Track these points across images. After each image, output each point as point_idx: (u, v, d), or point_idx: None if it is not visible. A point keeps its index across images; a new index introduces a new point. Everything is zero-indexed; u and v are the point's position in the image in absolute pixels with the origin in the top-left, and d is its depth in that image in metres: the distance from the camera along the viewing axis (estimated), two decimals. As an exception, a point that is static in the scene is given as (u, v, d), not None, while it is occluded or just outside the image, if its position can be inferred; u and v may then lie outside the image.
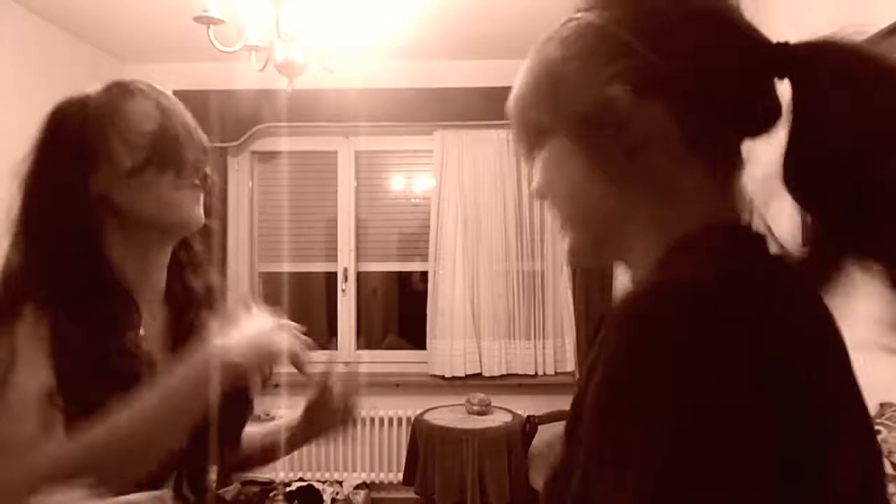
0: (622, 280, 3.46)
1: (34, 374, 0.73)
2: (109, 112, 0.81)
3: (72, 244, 0.79)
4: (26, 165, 0.82)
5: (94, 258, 0.81)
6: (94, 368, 0.75)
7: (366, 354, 3.74)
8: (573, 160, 0.56)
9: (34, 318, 0.75)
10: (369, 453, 3.58)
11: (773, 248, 0.65)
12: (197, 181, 0.85)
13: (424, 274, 3.67)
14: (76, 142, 0.80)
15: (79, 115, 0.81)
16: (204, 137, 0.89)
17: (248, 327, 0.84)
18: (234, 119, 3.46)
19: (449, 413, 3.13)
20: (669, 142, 0.54)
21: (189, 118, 0.87)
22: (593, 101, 0.54)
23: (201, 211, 0.87)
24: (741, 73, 0.59)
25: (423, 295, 3.63)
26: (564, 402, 2.14)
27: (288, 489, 3.31)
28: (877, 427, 1.28)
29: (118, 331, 0.79)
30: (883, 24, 1.63)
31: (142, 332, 0.84)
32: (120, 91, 0.83)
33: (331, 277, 3.79)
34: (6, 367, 0.72)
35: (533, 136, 0.62)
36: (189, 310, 0.92)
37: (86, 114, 0.81)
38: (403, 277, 3.95)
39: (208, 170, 0.88)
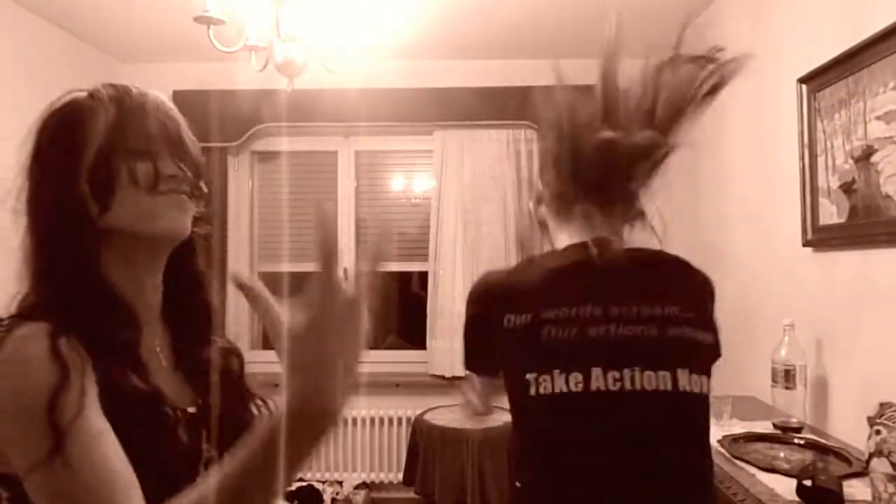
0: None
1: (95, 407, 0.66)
2: (84, 119, 0.77)
3: (71, 261, 0.75)
4: (21, 178, 0.79)
5: (95, 276, 0.76)
6: (114, 404, 0.69)
7: (365, 354, 3.73)
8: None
9: (66, 340, 0.68)
10: (369, 453, 3.58)
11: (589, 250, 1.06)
12: (182, 188, 0.80)
13: (424, 283, 3.66)
14: (60, 151, 0.77)
15: (60, 124, 0.78)
16: (194, 142, 0.83)
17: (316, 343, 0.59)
18: (234, 119, 3.45)
19: (449, 413, 3.13)
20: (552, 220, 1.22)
21: (174, 120, 0.82)
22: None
23: (187, 220, 0.81)
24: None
25: (423, 296, 3.63)
26: (564, 402, 2.11)
27: (288, 489, 3.31)
28: (877, 427, 1.27)
29: (129, 359, 0.75)
30: (883, 24, 1.63)
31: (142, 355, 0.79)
32: (96, 97, 0.79)
33: (331, 277, 3.79)
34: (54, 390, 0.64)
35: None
36: (187, 328, 0.88)
37: (65, 122, 0.78)
38: (403, 277, 3.95)
39: (200, 176, 0.83)
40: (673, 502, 0.97)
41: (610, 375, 0.96)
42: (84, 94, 0.81)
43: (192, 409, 0.82)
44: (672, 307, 0.99)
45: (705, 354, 1.01)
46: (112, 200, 0.76)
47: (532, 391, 0.98)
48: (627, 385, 0.96)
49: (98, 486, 0.63)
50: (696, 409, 1.00)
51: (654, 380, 0.96)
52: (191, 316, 0.88)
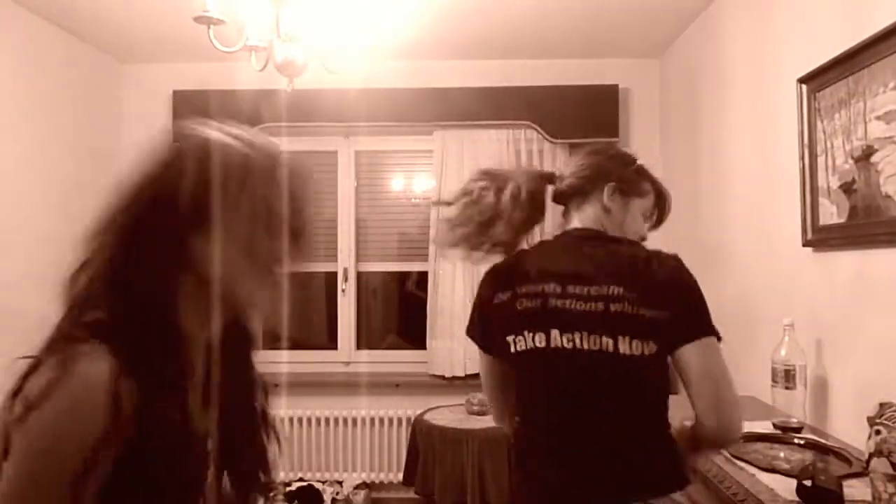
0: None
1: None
2: (266, 178, 0.78)
3: (157, 293, 0.74)
4: (131, 197, 0.76)
5: (172, 312, 0.77)
6: (161, 437, 0.71)
7: (366, 354, 3.74)
8: None
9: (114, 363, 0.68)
10: (369, 453, 3.58)
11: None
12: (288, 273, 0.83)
13: (423, 284, 3.66)
14: (204, 193, 0.75)
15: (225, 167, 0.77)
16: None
17: None
18: (234, 119, 3.44)
19: (449, 413, 3.13)
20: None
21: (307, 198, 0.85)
22: None
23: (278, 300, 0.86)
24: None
25: (420, 296, 3.63)
26: (564, 402, 2.10)
27: (288, 489, 3.31)
28: (877, 427, 1.27)
29: (180, 399, 0.76)
30: (883, 24, 1.63)
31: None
32: (272, 158, 0.81)
33: (331, 277, 3.79)
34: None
35: None
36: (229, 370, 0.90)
37: (236, 169, 0.78)
38: (403, 277, 3.95)
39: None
40: (606, 435, 1.26)
41: (565, 336, 1.26)
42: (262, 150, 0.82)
43: (209, 446, 0.83)
44: (617, 288, 1.25)
45: (650, 326, 1.23)
46: (231, 270, 0.78)
47: (512, 349, 1.32)
48: (578, 344, 1.25)
49: None
50: (639, 368, 1.24)
51: (598, 342, 1.24)
52: (234, 362, 0.91)
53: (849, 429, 1.78)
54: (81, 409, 0.66)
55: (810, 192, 1.99)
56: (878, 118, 1.67)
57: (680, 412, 1.33)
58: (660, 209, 1.49)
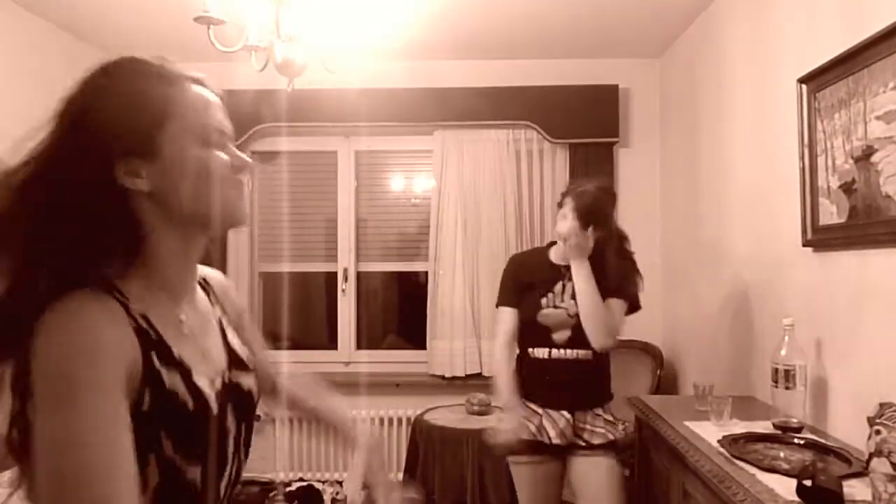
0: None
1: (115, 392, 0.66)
2: (166, 94, 0.78)
3: (113, 238, 0.75)
4: (48, 148, 0.74)
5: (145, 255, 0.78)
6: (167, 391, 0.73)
7: (366, 354, 3.74)
8: None
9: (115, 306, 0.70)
10: (369, 453, 3.57)
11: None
12: (244, 174, 0.84)
13: (423, 282, 3.67)
14: (122, 120, 0.75)
15: (131, 90, 0.77)
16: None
17: None
18: (233, 119, 3.36)
19: (449, 413, 3.13)
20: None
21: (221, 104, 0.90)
22: None
23: (247, 207, 0.85)
24: None
25: (423, 295, 3.63)
26: (564, 402, 2.11)
27: (288, 489, 3.31)
28: (877, 427, 1.28)
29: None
30: (883, 24, 1.63)
31: (185, 330, 0.81)
32: (177, 74, 0.82)
33: (331, 277, 3.79)
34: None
35: None
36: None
37: (140, 89, 0.77)
38: (403, 277, 3.95)
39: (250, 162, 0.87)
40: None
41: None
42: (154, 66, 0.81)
43: (218, 386, 0.82)
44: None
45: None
46: (191, 183, 0.78)
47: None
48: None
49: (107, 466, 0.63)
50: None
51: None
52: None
53: (849, 429, 1.78)
54: (98, 329, 0.67)
55: (810, 192, 1.99)
56: (878, 118, 1.67)
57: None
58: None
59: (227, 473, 0.82)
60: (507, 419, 2.07)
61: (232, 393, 0.85)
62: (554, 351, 2.10)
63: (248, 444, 0.89)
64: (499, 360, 2.16)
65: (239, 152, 0.85)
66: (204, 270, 0.96)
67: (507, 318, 2.17)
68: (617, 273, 2.06)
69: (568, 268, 2.09)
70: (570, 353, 2.09)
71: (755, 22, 2.46)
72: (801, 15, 2.09)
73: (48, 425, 0.62)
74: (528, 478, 2.13)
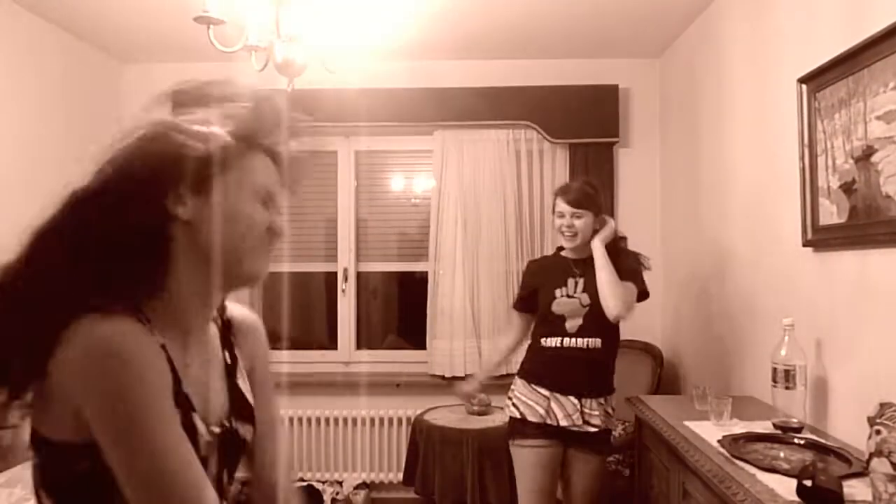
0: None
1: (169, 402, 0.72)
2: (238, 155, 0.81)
3: (143, 267, 0.77)
4: (107, 177, 0.77)
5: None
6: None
7: (366, 354, 3.74)
8: None
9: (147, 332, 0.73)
10: (369, 453, 3.58)
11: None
12: (277, 240, 0.86)
13: (423, 282, 3.67)
14: (180, 154, 0.77)
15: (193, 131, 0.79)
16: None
17: None
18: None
19: (449, 413, 3.13)
20: None
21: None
22: None
23: (267, 270, 0.86)
24: None
25: (423, 295, 3.63)
26: (564, 402, 2.11)
27: (288, 489, 3.31)
28: (877, 427, 1.28)
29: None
30: (883, 24, 1.63)
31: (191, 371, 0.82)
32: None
33: (331, 277, 3.79)
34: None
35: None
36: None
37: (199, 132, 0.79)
38: (403, 277, 3.95)
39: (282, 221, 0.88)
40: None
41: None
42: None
43: (216, 430, 0.82)
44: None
45: None
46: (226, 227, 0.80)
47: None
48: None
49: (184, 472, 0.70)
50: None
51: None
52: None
53: (849, 429, 1.78)
54: (132, 348, 0.70)
55: (810, 192, 1.99)
56: (878, 118, 1.67)
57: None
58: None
59: None
60: (468, 384, 2.59)
61: (226, 439, 0.85)
62: (566, 340, 2.22)
63: (231, 482, 0.90)
64: (498, 347, 2.57)
65: (280, 220, 0.87)
66: (234, 310, 0.97)
67: (518, 320, 2.48)
68: (625, 267, 2.22)
69: (578, 262, 2.28)
70: (580, 342, 2.21)
71: (755, 22, 2.46)
72: (801, 15, 2.09)
73: (133, 461, 0.68)
74: (532, 461, 2.22)
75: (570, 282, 2.27)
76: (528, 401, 2.23)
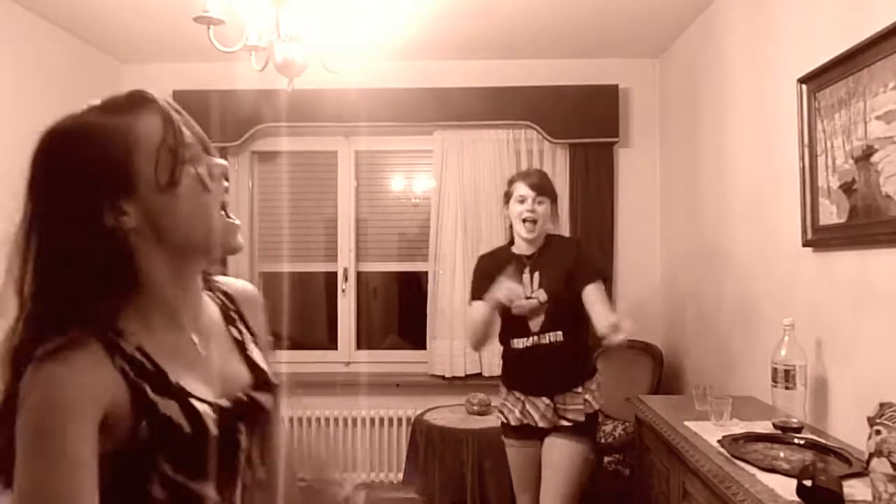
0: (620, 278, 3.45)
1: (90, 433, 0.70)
2: (125, 131, 0.77)
3: (109, 280, 0.76)
4: (33, 201, 0.78)
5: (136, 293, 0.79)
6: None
7: (366, 354, 3.74)
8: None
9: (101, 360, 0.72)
10: (369, 453, 3.58)
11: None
12: (224, 197, 0.83)
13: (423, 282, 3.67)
14: (94, 170, 0.76)
15: (91, 141, 0.78)
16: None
17: None
18: (234, 119, 3.45)
19: (449, 413, 3.13)
20: None
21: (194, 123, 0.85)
22: None
23: (239, 237, 0.85)
24: None
25: (423, 295, 3.63)
26: (564, 402, 2.11)
27: (288, 489, 3.31)
28: (877, 427, 1.28)
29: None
30: (883, 24, 1.63)
31: (195, 351, 0.83)
32: (126, 105, 0.81)
33: (331, 277, 3.79)
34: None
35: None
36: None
37: (99, 138, 0.78)
38: (403, 277, 3.95)
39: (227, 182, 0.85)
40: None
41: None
42: (112, 105, 0.83)
43: (225, 403, 0.83)
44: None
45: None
46: (177, 211, 0.78)
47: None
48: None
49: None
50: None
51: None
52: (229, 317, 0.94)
53: (849, 429, 1.78)
54: (72, 378, 0.69)
55: (810, 192, 1.99)
56: (878, 118, 1.67)
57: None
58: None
59: (237, 485, 0.84)
60: (498, 289, 2.13)
61: (247, 410, 0.86)
62: (533, 338, 2.21)
63: (263, 455, 0.90)
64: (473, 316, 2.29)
65: (215, 159, 0.83)
66: (229, 283, 0.96)
67: (479, 307, 2.24)
68: (577, 261, 2.22)
69: (530, 257, 2.27)
70: (544, 339, 2.20)
71: (755, 22, 2.46)
72: (801, 15, 2.09)
73: (22, 475, 0.67)
74: (516, 460, 2.33)
75: (525, 277, 2.23)
76: (509, 406, 2.28)
